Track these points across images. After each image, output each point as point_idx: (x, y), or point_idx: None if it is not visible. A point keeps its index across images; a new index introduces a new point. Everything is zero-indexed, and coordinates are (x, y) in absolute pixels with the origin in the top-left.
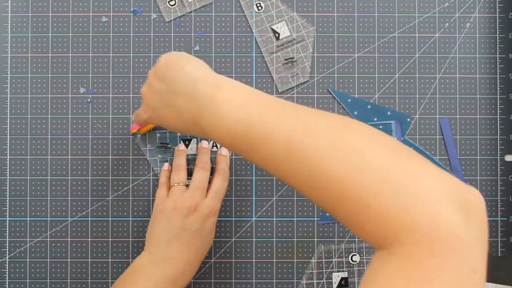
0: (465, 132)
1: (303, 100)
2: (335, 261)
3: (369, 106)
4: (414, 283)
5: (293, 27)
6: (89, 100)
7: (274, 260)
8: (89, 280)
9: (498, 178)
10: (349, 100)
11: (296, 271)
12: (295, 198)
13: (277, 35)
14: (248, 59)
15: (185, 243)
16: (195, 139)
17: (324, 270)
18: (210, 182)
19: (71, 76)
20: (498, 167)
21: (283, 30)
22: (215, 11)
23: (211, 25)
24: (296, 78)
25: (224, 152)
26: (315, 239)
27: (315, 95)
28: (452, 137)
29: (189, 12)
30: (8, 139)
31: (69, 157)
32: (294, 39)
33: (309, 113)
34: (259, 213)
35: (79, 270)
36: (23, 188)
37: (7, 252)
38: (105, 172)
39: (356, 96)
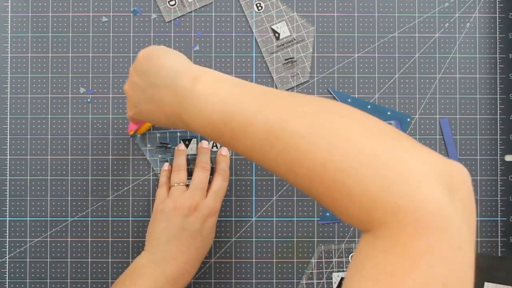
0: (465, 132)
1: None
2: (335, 261)
3: (369, 106)
4: (400, 266)
5: (293, 27)
6: (89, 100)
7: (274, 260)
8: (89, 280)
9: (498, 178)
10: (349, 100)
11: (296, 271)
12: (295, 198)
13: (277, 35)
14: (248, 59)
15: (185, 243)
16: (195, 139)
17: (324, 270)
18: (210, 182)
19: (71, 76)
20: (498, 167)
21: (283, 30)
22: (215, 11)
23: (211, 25)
24: (296, 78)
25: (224, 152)
26: (315, 239)
27: (315, 95)
28: (452, 137)
29: (189, 12)
30: (8, 139)
31: (69, 157)
32: (294, 39)
33: (291, 99)
34: (259, 213)
35: (79, 270)
36: (23, 188)
37: (7, 252)
38: (105, 172)
39: (356, 96)
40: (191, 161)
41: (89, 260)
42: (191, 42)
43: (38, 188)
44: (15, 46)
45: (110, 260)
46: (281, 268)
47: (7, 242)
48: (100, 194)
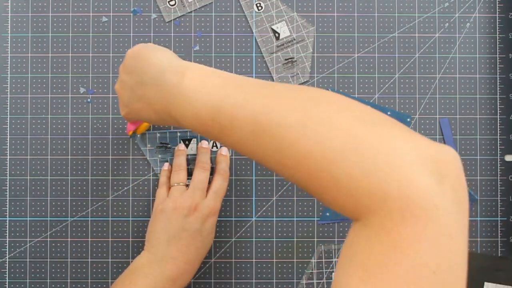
0: (465, 132)
1: None
2: (335, 261)
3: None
4: (388, 255)
5: (293, 27)
6: (89, 100)
7: (274, 260)
8: (89, 280)
9: (498, 178)
10: None
11: (296, 271)
12: (295, 198)
13: (277, 35)
14: (248, 59)
15: (185, 243)
16: (195, 139)
17: (324, 270)
18: (210, 182)
19: (71, 76)
20: (498, 167)
21: (283, 30)
22: (215, 11)
23: (211, 25)
24: (296, 78)
25: (224, 152)
26: (315, 239)
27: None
28: (452, 137)
29: (189, 12)
30: (8, 139)
31: (69, 157)
32: (294, 39)
33: (277, 90)
34: (259, 213)
35: (79, 270)
36: (23, 188)
37: (7, 252)
38: (105, 172)
39: (356, 96)
40: (191, 161)
41: (89, 260)
42: (191, 42)
43: (38, 188)
44: (15, 46)
45: (110, 260)
46: (281, 268)
47: (7, 242)
48: (100, 194)
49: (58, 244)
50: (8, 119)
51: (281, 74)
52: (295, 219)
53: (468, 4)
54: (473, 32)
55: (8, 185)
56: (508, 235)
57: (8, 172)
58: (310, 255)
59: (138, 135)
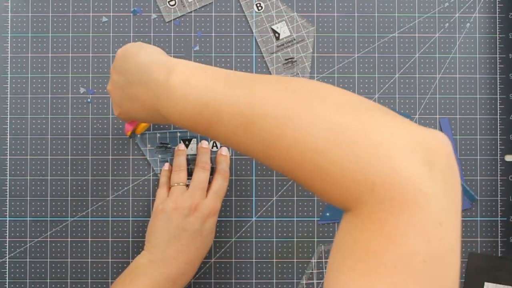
0: (465, 132)
1: None
2: None
3: None
4: (378, 244)
5: (293, 27)
6: (89, 100)
7: (274, 260)
8: (89, 280)
9: (498, 178)
10: None
11: (296, 271)
12: (295, 198)
13: (277, 35)
14: (248, 59)
15: (185, 243)
16: (195, 139)
17: (324, 270)
18: (210, 182)
19: (71, 76)
20: (498, 167)
21: (283, 30)
22: (215, 11)
23: (211, 25)
24: None
25: (224, 152)
26: (315, 239)
27: None
28: (452, 137)
29: (189, 12)
30: (8, 139)
31: (69, 157)
32: (294, 39)
33: (262, 83)
34: (259, 213)
35: (79, 270)
36: (23, 188)
37: (7, 252)
38: (105, 172)
39: None
40: (191, 161)
41: (89, 260)
42: (191, 42)
43: (38, 188)
44: (15, 46)
45: (110, 260)
46: (281, 268)
47: (7, 242)
48: (100, 194)
49: (58, 244)
50: (8, 119)
51: (281, 74)
52: (295, 219)
53: (468, 4)
54: (473, 32)
55: (8, 185)
56: (508, 235)
57: (8, 172)
58: (310, 255)
59: (138, 135)
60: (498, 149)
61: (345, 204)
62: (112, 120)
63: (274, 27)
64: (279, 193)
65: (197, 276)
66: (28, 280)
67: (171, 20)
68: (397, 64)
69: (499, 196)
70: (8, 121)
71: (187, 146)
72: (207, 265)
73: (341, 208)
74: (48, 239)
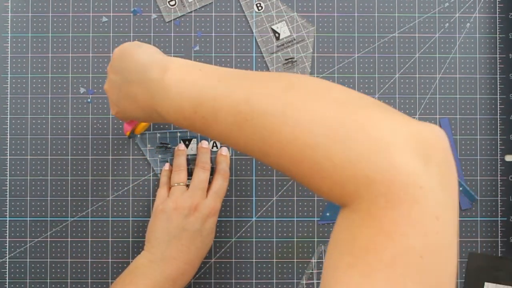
0: (465, 132)
1: None
2: None
3: None
4: (375, 240)
5: (293, 27)
6: (89, 100)
7: (274, 260)
8: (89, 280)
9: (498, 178)
10: None
11: (296, 271)
12: (295, 198)
13: (277, 35)
14: (248, 59)
15: (185, 243)
16: (195, 139)
17: None
18: (210, 182)
19: (71, 76)
20: (498, 167)
21: (283, 30)
22: (215, 11)
23: (211, 25)
24: None
25: (224, 152)
26: (315, 239)
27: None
28: (452, 137)
29: (189, 12)
30: (8, 139)
31: (69, 157)
32: (294, 39)
33: (257, 79)
34: (259, 213)
35: (79, 270)
36: (23, 188)
37: (7, 252)
38: (105, 172)
39: None
40: (191, 161)
41: (89, 260)
42: (191, 42)
43: (38, 188)
44: (15, 46)
45: (110, 260)
46: (281, 268)
47: (7, 242)
48: (100, 194)
49: (58, 244)
50: (8, 119)
51: None
52: (295, 219)
53: (468, 4)
54: (473, 32)
55: (8, 185)
56: (508, 235)
57: (8, 172)
58: (310, 255)
59: (138, 135)
60: (498, 149)
61: (342, 200)
62: (112, 120)
63: (274, 27)
64: (279, 193)
65: (197, 276)
66: (28, 280)
67: (171, 20)
68: (397, 64)
69: (499, 196)
70: (8, 121)
71: (187, 146)
72: (207, 265)
73: (338, 204)
74: (48, 239)
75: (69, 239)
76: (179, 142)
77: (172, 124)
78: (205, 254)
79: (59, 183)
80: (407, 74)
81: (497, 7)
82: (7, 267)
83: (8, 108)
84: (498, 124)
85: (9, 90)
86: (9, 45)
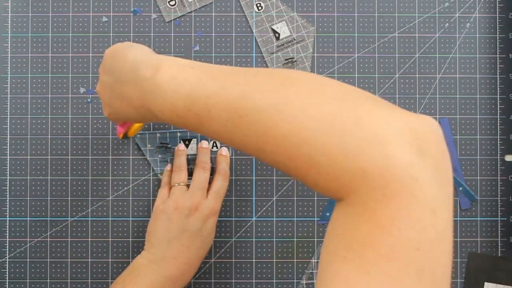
0: (465, 132)
1: None
2: None
3: None
4: (370, 234)
5: (293, 27)
6: (89, 100)
7: (274, 260)
8: (89, 280)
9: (498, 178)
10: None
11: (296, 271)
12: (295, 198)
13: (277, 35)
14: (248, 59)
15: (185, 243)
16: (195, 139)
17: None
18: (210, 182)
19: (71, 76)
20: (498, 167)
21: (283, 30)
22: (215, 11)
23: (211, 25)
24: None
25: (224, 152)
26: (315, 239)
27: None
28: (452, 137)
29: (189, 12)
30: (8, 139)
31: (69, 157)
32: (294, 39)
33: (251, 75)
34: (259, 213)
35: (79, 270)
36: (23, 188)
37: (7, 252)
38: (105, 172)
39: None
40: (191, 161)
41: (89, 260)
42: (191, 42)
43: (38, 188)
44: (15, 46)
45: (110, 260)
46: (281, 268)
47: (7, 242)
48: (100, 194)
49: (58, 244)
50: (8, 119)
51: None
52: (295, 219)
53: (468, 4)
54: (473, 32)
55: (8, 185)
56: (508, 235)
57: (8, 172)
58: (310, 255)
59: (138, 135)
60: (498, 149)
61: (338, 194)
62: None
63: (274, 27)
64: (279, 193)
65: (197, 276)
66: (28, 280)
67: (171, 20)
68: (397, 64)
69: (499, 196)
70: (8, 121)
71: (187, 146)
72: (207, 265)
73: (334, 198)
74: (48, 239)
75: (69, 239)
76: (179, 142)
77: (164, 122)
78: (205, 254)
79: (59, 183)
80: (407, 74)
81: (497, 7)
82: (7, 267)
83: (8, 108)
84: (498, 124)
85: (9, 90)
86: (9, 45)
